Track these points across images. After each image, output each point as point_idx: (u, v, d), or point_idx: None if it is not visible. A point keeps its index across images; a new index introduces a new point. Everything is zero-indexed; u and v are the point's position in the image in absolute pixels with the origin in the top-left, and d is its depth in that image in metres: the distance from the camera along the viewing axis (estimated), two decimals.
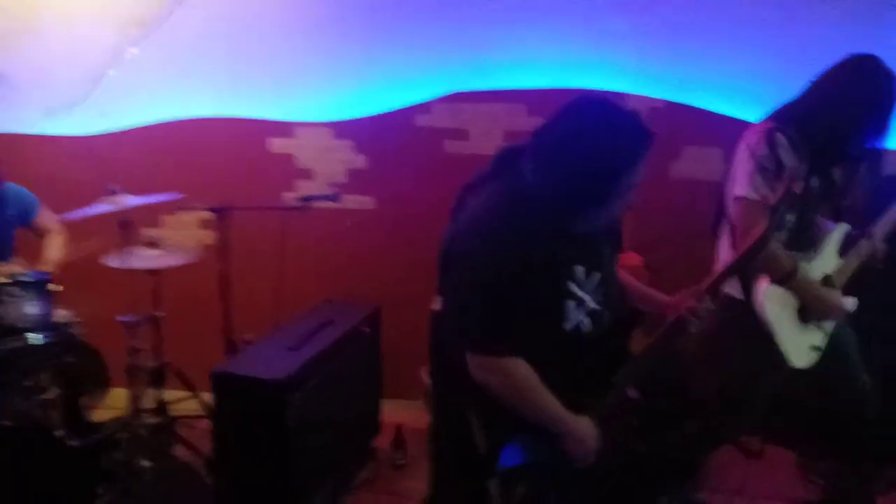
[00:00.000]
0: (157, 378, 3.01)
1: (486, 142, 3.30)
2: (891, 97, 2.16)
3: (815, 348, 2.35)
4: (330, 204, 3.08)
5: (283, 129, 3.52)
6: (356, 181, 3.50)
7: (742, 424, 2.52)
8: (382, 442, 3.07)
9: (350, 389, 2.83)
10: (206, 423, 2.89)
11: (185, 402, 3.15)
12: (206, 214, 3.19)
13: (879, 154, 2.28)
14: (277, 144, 3.53)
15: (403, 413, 3.12)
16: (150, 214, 3.34)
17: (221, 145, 3.54)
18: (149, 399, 2.98)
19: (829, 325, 2.37)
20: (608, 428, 1.72)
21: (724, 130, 2.95)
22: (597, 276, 1.71)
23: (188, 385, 3.13)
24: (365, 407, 3.02)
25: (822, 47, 2.29)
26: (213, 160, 3.53)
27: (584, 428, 1.68)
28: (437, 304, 1.78)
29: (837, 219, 2.40)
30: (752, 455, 3.16)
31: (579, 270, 1.66)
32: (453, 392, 1.74)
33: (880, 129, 2.19)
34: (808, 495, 2.82)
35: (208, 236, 3.43)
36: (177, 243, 3.23)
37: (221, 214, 3.00)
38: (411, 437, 2.99)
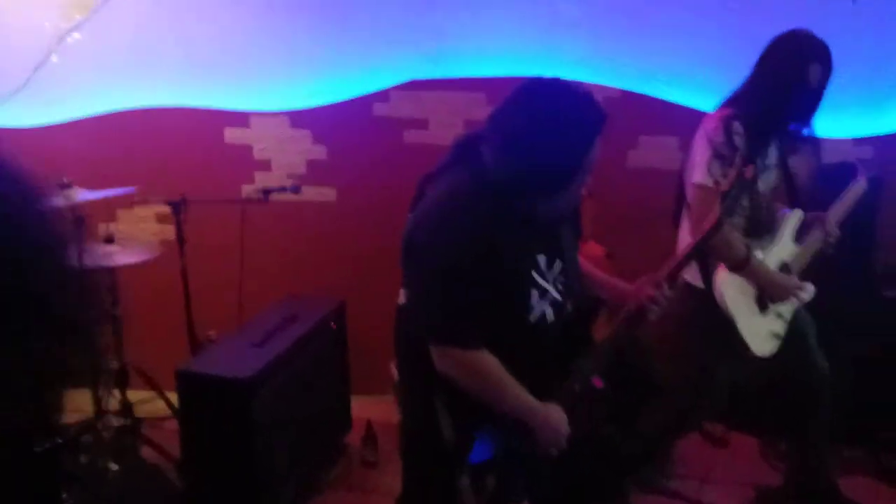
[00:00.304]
0: (121, 379, 2.95)
1: (446, 131, 3.29)
2: (821, 70, 2.21)
3: (776, 336, 2.41)
4: (290, 196, 3.05)
5: (238, 118, 3.45)
6: (316, 172, 3.47)
7: (704, 411, 2.58)
8: (354, 438, 3.07)
9: (317, 386, 2.83)
10: (173, 424, 2.85)
11: (151, 403, 3.10)
12: (163, 208, 3.12)
13: (816, 137, 2.33)
14: (233, 135, 3.47)
15: (374, 408, 3.10)
16: (105, 209, 3.25)
17: (176, 136, 3.45)
18: (113, 400, 2.93)
19: (788, 313, 2.43)
20: (574, 416, 1.74)
21: (679, 119, 3.02)
22: (559, 264, 1.72)
23: (153, 385, 3.08)
24: (333, 403, 3.02)
25: (776, 30, 2.32)
26: (168, 152, 3.44)
27: (553, 415, 1.69)
28: (402, 297, 1.78)
29: (792, 205, 2.47)
30: (717, 442, 3.23)
31: (541, 260, 1.68)
32: (420, 386, 1.74)
33: (813, 103, 2.24)
34: (772, 480, 2.90)
35: (165, 231, 3.36)
36: (133, 239, 3.16)
37: (179, 208, 2.93)
38: (383, 433, 2.98)
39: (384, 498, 2.60)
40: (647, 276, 1.82)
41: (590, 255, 2.64)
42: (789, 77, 2.20)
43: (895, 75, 3.23)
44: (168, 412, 3.00)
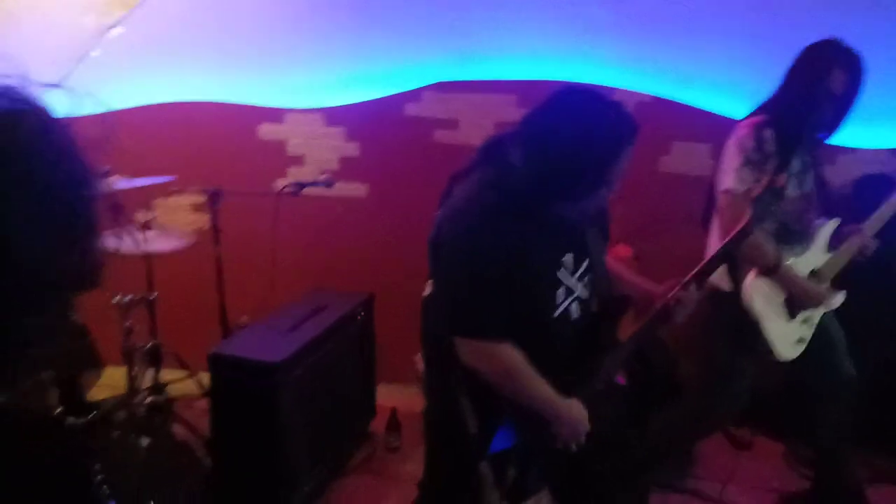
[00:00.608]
0: (154, 358, 3.04)
1: (476, 132, 3.34)
2: (854, 78, 2.21)
3: (802, 341, 2.41)
4: (322, 190, 3.11)
5: (273, 115, 3.53)
6: (348, 168, 3.53)
7: (726, 412, 2.58)
8: (378, 425, 3.13)
9: (343, 373, 2.89)
10: (203, 404, 2.94)
11: (183, 383, 3.19)
12: (199, 198, 3.20)
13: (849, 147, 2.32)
14: (268, 131, 3.55)
15: (399, 397, 3.16)
16: (142, 197, 3.34)
17: (212, 130, 3.54)
18: (146, 379, 3.02)
19: (816, 319, 2.43)
20: (596, 412, 1.77)
21: (712, 127, 3.02)
22: (585, 263, 1.75)
23: (185, 366, 3.17)
24: (359, 391, 3.08)
25: (811, 39, 2.32)
26: (204, 144, 3.54)
27: (574, 410, 1.72)
28: (427, 289, 1.82)
29: (827, 212, 2.46)
30: (741, 446, 3.23)
31: (568, 258, 1.71)
32: (445, 376, 1.77)
33: (842, 113, 2.24)
34: (795, 485, 2.89)
35: (201, 220, 3.45)
36: (170, 227, 3.24)
37: (214, 198, 3.01)
38: (407, 421, 3.03)
39: (406, 483, 2.64)
40: (675, 277, 1.84)
41: (618, 256, 2.66)
42: (813, 85, 2.20)
43: None
44: (199, 392, 3.09)
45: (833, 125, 2.27)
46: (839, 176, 3.01)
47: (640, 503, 2.70)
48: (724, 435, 3.24)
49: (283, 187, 3.03)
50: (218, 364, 2.48)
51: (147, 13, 3.40)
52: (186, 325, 3.20)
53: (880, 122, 2.26)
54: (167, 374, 3.16)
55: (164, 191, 3.35)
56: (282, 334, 2.62)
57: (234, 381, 2.47)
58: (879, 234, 2.47)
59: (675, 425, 2.68)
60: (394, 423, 3.05)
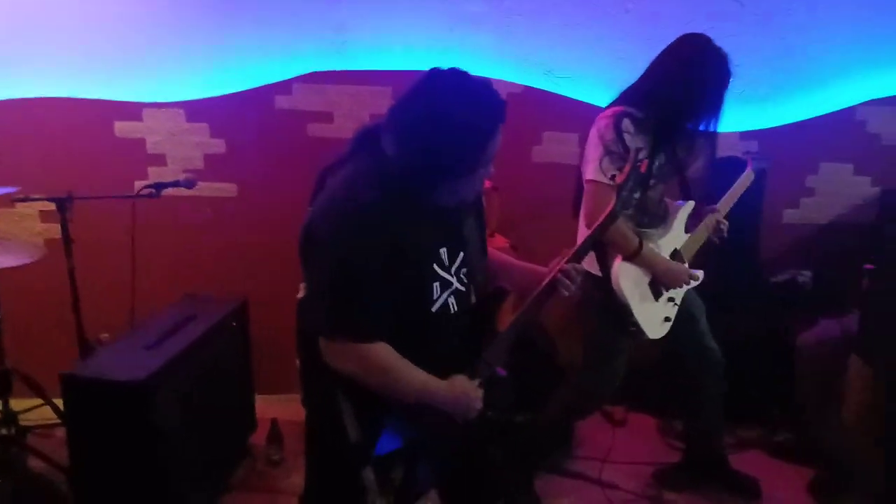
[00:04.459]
0: (2, 386, 2.75)
1: (352, 124, 3.25)
2: (722, 76, 2.31)
3: (668, 319, 2.53)
4: (187, 191, 2.92)
5: (130, 110, 3.28)
6: (214, 166, 3.35)
7: (608, 390, 2.66)
8: (259, 438, 2.99)
9: (220, 386, 2.73)
10: (63, 432, 2.68)
11: (37, 411, 2.90)
12: (47, 206, 2.93)
13: (714, 133, 2.44)
14: (125, 128, 3.30)
15: (279, 407, 3.03)
16: None
17: (61, 129, 3.25)
18: None
19: (679, 298, 2.54)
20: (483, 400, 1.73)
21: (580, 116, 3.09)
22: (460, 255, 1.72)
23: (39, 391, 2.88)
24: (237, 403, 2.93)
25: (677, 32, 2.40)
26: (52, 146, 3.24)
27: (457, 385, 1.67)
28: (301, 291, 1.74)
29: (685, 196, 2.58)
30: (617, 423, 3.36)
31: (443, 251, 1.67)
32: (322, 382, 1.69)
33: (714, 107, 2.33)
34: (669, 458, 3.04)
35: (51, 229, 3.16)
36: (15, 239, 2.95)
37: (64, 205, 2.75)
38: (289, 432, 2.92)
39: (291, 498, 2.56)
40: (557, 257, 1.84)
41: (496, 247, 2.67)
42: (686, 81, 2.28)
43: (778, 72, 3.44)
44: (57, 420, 2.81)
45: (704, 118, 2.35)
46: (695, 160, 3.17)
47: (526, 488, 2.75)
48: (601, 413, 3.35)
49: (140, 190, 2.81)
50: (72, 387, 2.27)
51: None
52: (39, 347, 2.93)
53: (729, 106, 2.37)
54: (18, 403, 2.86)
55: (6, 200, 3.04)
56: (146, 349, 2.43)
57: (92, 404, 2.27)
58: (730, 214, 2.61)
59: (560, 406, 2.74)
60: (274, 435, 2.93)
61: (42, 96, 3.22)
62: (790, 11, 3.34)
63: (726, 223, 2.58)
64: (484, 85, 1.56)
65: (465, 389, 1.68)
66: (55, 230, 2.86)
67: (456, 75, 1.57)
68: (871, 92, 3.49)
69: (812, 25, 3.35)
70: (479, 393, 1.70)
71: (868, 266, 2.74)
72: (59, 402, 2.66)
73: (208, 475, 2.63)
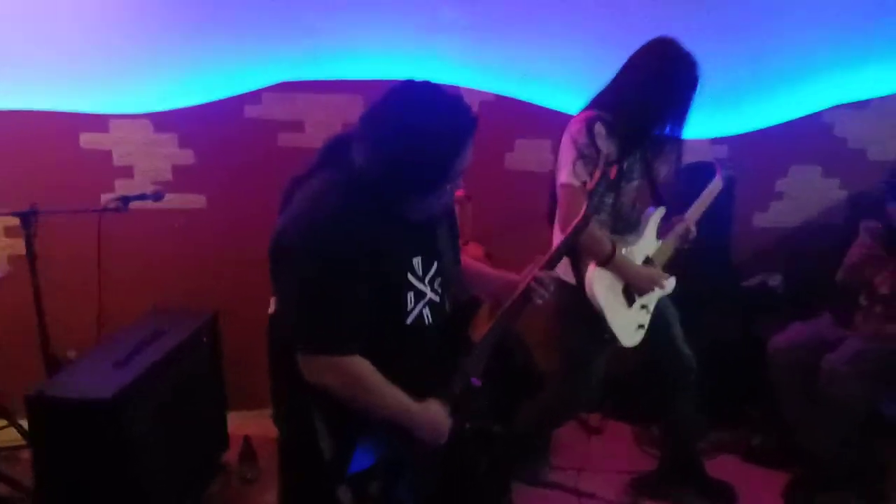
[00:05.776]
0: None
1: (323, 134, 3.17)
2: (691, 80, 2.31)
3: (642, 326, 2.53)
4: (154, 204, 2.86)
5: (95, 122, 3.21)
6: (183, 178, 3.29)
7: (586, 398, 2.65)
8: (231, 455, 2.93)
9: (190, 403, 2.67)
10: (29, 454, 2.60)
11: (4, 433, 2.83)
12: (11, 221, 2.85)
13: (680, 139, 2.44)
14: (90, 140, 3.23)
15: (252, 424, 2.97)
16: None
17: (24, 141, 3.16)
18: None
19: (652, 304, 2.55)
20: (457, 415, 1.73)
21: (552, 123, 3.09)
22: (434, 265, 1.71)
23: (3, 413, 2.81)
24: (209, 420, 2.87)
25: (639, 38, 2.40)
26: (15, 158, 3.16)
27: (431, 410, 1.67)
28: (272, 306, 1.71)
29: (656, 202, 2.58)
30: (593, 431, 3.35)
31: (417, 262, 1.66)
32: (296, 399, 1.67)
33: (681, 111, 2.34)
34: (646, 465, 3.03)
35: (15, 245, 3.08)
36: None
37: (29, 220, 2.67)
38: (262, 449, 2.87)
39: None
40: (530, 265, 1.83)
41: (470, 255, 2.65)
42: (654, 85, 2.28)
43: (746, 78, 3.47)
44: (22, 441, 2.75)
45: (673, 123, 2.35)
46: (664, 164, 3.18)
47: (504, 498, 2.73)
48: (577, 421, 3.35)
49: (107, 203, 2.75)
50: (37, 407, 2.20)
51: None
52: (4, 367, 2.84)
53: (699, 112, 2.38)
54: None
55: None
56: (114, 366, 2.37)
57: (58, 424, 2.21)
58: (700, 221, 2.63)
59: (538, 415, 2.73)
60: (248, 453, 2.87)
61: (3, 109, 3.14)
62: (756, 18, 3.38)
63: (695, 231, 2.60)
64: (455, 99, 1.55)
65: (437, 416, 1.68)
66: (19, 245, 2.79)
67: (428, 88, 1.55)
68: (838, 96, 3.54)
69: (778, 32, 3.39)
70: (449, 422, 1.70)
71: None
72: (26, 423, 2.60)
73: (181, 495, 2.57)
